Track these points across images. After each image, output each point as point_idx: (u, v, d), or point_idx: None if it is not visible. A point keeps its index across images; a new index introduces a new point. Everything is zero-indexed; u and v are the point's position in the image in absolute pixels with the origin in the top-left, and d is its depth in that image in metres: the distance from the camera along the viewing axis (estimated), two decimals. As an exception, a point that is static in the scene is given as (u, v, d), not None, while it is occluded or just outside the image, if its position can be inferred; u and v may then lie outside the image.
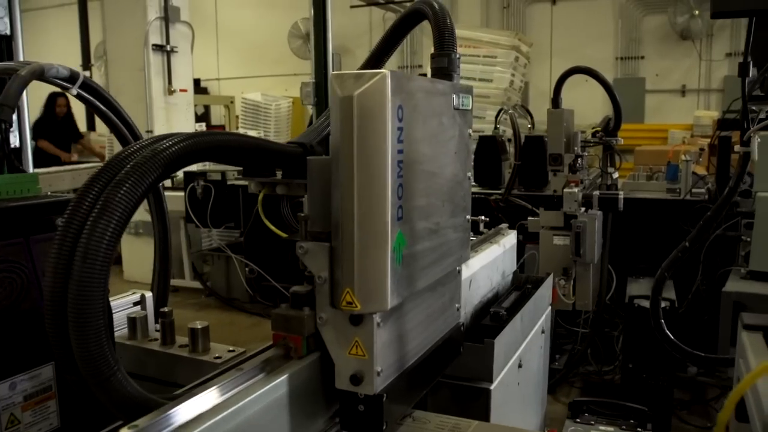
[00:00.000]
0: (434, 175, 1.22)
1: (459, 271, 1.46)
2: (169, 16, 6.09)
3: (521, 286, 2.14)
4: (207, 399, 0.99)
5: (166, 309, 1.37)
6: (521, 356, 1.83)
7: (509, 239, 2.10)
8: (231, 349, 1.32)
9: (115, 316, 1.47)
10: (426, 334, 1.29)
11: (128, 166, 0.95)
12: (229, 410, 0.95)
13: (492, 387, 1.56)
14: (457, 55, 1.36)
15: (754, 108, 1.54)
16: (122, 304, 1.49)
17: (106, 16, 6.47)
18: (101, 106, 1.48)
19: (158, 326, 1.41)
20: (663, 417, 3.33)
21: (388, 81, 1.00)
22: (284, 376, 1.07)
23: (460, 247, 1.37)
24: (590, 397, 3.79)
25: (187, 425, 0.91)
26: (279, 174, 1.25)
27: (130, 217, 0.93)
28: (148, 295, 1.52)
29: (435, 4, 1.37)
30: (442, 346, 1.37)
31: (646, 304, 3.46)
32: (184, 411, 0.94)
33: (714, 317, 3.32)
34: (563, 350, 4.13)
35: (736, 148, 1.77)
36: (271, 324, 1.15)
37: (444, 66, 1.33)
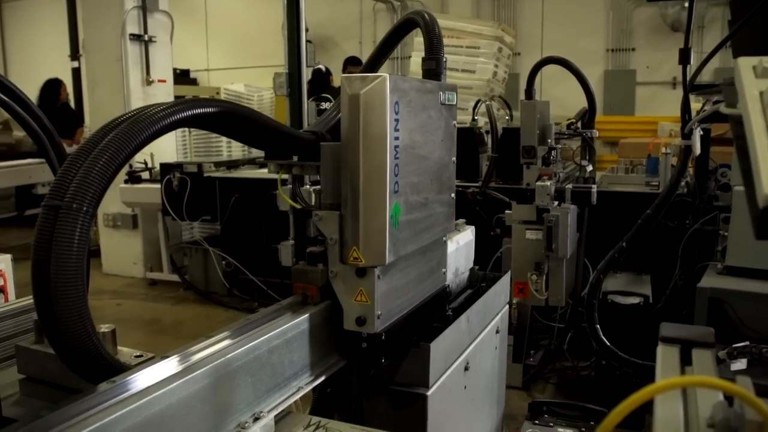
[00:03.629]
0: (424, 158, 1.49)
1: (445, 241, 1.73)
2: (147, 5, 5.97)
3: (476, 284, 2.06)
4: (241, 330, 1.22)
5: (71, 311, 1.29)
6: (468, 358, 1.75)
7: (464, 235, 2.01)
8: (138, 354, 1.25)
9: (25, 317, 1.39)
10: (417, 289, 1.57)
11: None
12: (263, 338, 1.19)
13: (429, 393, 1.49)
14: (444, 59, 1.63)
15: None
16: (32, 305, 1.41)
17: (84, 5, 6.36)
18: (11, 103, 1.39)
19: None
20: (636, 414, 3.26)
21: (387, 82, 1.26)
22: (306, 315, 1.34)
23: (445, 219, 1.67)
24: (565, 393, 3.74)
25: (225, 350, 1.11)
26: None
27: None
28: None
29: (426, 15, 1.63)
30: (431, 302, 1.65)
31: (620, 299, 3.40)
32: (213, 342, 1.15)
33: (692, 313, 3.25)
34: (539, 345, 4.06)
35: (677, 141, 1.68)
36: (292, 277, 1.43)
37: (433, 68, 1.60)
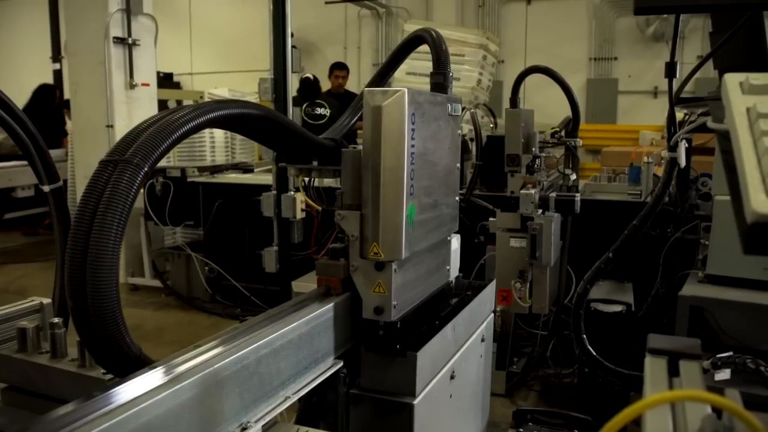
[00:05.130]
0: (434, 163, 1.63)
1: (450, 240, 1.89)
2: (131, 8, 5.92)
3: (462, 292, 2.06)
4: (272, 320, 1.33)
5: (55, 320, 1.27)
6: (454, 367, 1.75)
7: (451, 243, 2.02)
8: (124, 363, 1.23)
9: (7, 325, 1.37)
10: (426, 283, 1.72)
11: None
12: (294, 324, 1.32)
13: (415, 402, 1.49)
14: (450, 73, 1.76)
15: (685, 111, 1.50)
16: (19, 313, 1.39)
17: (66, 7, 6.29)
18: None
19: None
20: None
21: (406, 95, 1.40)
22: (331, 304, 1.48)
23: (451, 220, 1.83)
24: (548, 400, 3.76)
25: (259, 335, 1.21)
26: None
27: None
28: (47, 302, 1.42)
29: (433, 33, 1.78)
30: (437, 295, 1.80)
31: (603, 307, 3.42)
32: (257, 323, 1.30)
33: (673, 321, 3.28)
34: (522, 353, 4.08)
35: (663, 153, 1.71)
36: (316, 271, 1.56)
37: (441, 82, 1.75)
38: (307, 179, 1.72)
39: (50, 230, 1.51)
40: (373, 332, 1.51)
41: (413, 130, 1.44)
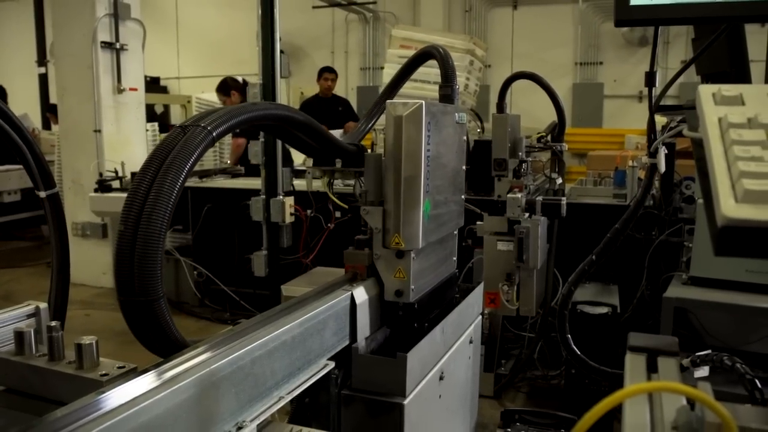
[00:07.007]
0: (445, 165, 1.82)
1: (456, 234, 2.12)
2: (119, 13, 5.92)
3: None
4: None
5: (52, 323, 1.29)
6: (443, 368, 1.79)
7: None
8: (120, 365, 1.25)
9: (5, 329, 1.39)
10: (437, 272, 1.92)
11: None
12: (329, 303, 1.50)
13: (405, 402, 1.52)
14: (457, 86, 1.99)
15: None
16: (15, 317, 1.41)
17: (54, 11, 6.28)
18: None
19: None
20: (605, 421, 3.32)
21: (424, 107, 1.60)
22: (362, 287, 1.66)
23: (457, 216, 2.05)
24: (535, 401, 3.81)
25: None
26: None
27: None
28: (43, 306, 1.44)
29: (441, 50, 1.98)
30: (446, 282, 2.01)
31: (589, 309, 3.47)
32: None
33: (658, 322, 3.34)
34: (510, 355, 4.12)
35: (644, 159, 1.77)
36: (344, 259, 1.73)
37: (449, 94, 1.96)
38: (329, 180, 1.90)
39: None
40: (394, 312, 1.70)
41: (429, 136, 1.63)
